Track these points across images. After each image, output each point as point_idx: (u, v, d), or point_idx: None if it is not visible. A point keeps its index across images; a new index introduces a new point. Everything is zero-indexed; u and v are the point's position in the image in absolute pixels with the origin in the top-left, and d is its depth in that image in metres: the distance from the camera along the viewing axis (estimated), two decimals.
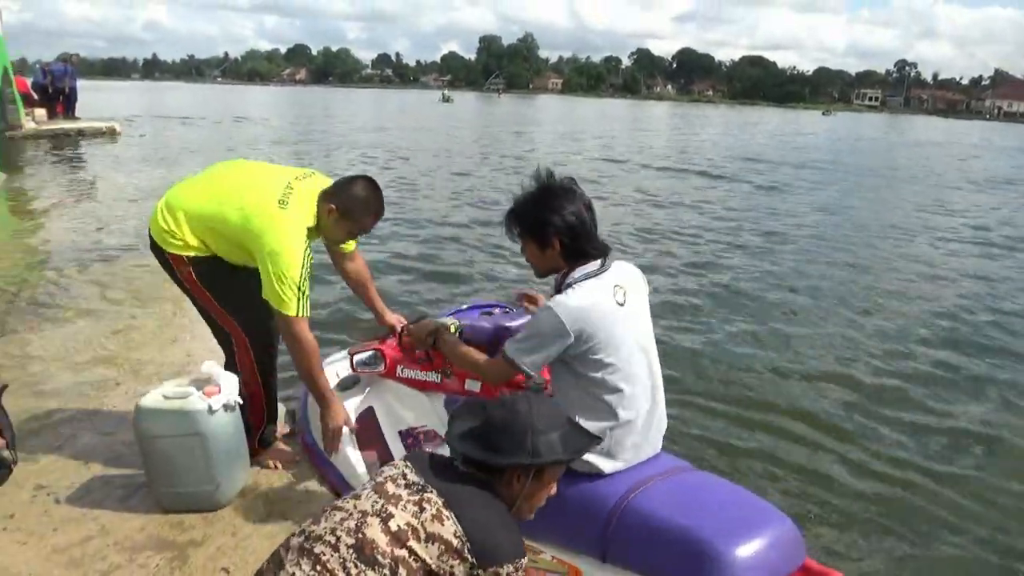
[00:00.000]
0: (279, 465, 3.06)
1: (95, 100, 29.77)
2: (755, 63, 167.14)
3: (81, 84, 21.54)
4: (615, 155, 22.04)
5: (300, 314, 2.59)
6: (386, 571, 1.46)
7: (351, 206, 2.65)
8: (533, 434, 1.61)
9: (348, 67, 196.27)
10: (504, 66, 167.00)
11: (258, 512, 2.75)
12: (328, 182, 2.79)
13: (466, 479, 1.62)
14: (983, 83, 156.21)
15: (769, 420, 4.56)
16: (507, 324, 2.58)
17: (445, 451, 2.38)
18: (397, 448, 2.77)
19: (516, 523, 1.64)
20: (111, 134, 19.34)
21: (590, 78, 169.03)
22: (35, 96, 19.42)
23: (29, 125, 18.10)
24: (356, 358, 2.84)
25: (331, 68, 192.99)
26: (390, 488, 1.58)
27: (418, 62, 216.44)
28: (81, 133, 18.66)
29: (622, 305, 2.09)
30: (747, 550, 1.76)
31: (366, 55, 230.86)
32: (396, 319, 3.05)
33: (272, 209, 2.58)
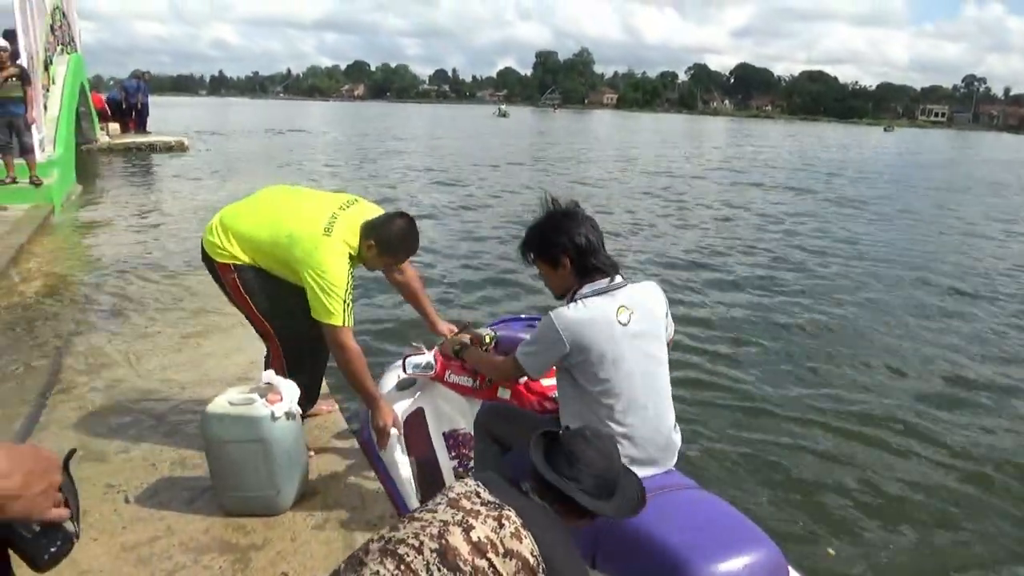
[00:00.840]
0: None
1: (165, 115, 30.94)
2: (815, 78, 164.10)
3: (152, 100, 22.44)
4: (687, 169, 21.89)
5: (345, 324, 2.78)
6: None
7: (389, 243, 2.87)
8: (624, 488, 1.72)
9: (406, 83, 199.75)
10: (560, 81, 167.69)
11: (316, 518, 2.81)
12: (372, 209, 3.01)
13: (535, 503, 1.66)
14: None
15: (866, 432, 4.58)
16: None
17: None
18: (441, 448, 2.90)
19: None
20: (180, 148, 20.07)
21: (645, 93, 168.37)
22: (110, 111, 20.32)
23: (103, 139, 18.96)
24: (409, 361, 2.98)
25: (389, 84, 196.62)
26: (466, 504, 1.61)
27: (474, 77, 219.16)
28: (152, 147, 19.45)
29: (625, 325, 2.15)
30: (723, 568, 1.80)
31: (423, 71, 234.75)
32: (447, 327, 3.22)
33: (318, 236, 2.79)
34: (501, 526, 1.54)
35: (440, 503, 1.64)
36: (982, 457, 4.39)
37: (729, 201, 15.27)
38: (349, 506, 2.91)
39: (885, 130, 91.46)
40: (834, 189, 18.55)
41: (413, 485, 2.96)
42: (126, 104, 20.96)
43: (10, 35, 10.38)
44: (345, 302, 2.76)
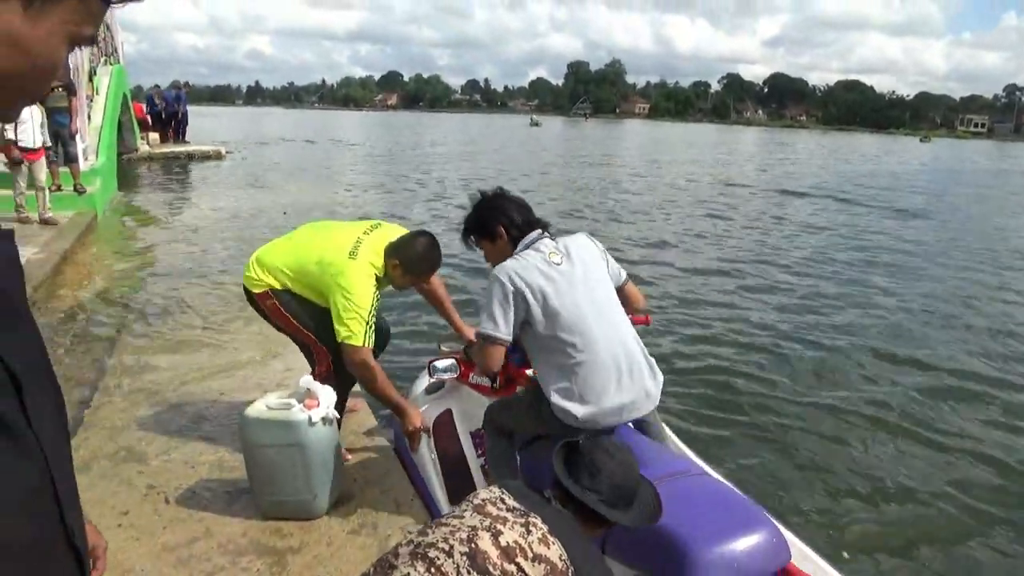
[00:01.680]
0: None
1: (202, 125, 31.52)
2: (851, 87, 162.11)
3: (190, 110, 22.88)
4: (734, 178, 21.74)
5: (365, 344, 2.88)
6: None
7: (412, 262, 3.01)
8: (642, 498, 1.76)
9: (438, 93, 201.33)
10: (591, 91, 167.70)
11: (352, 523, 2.84)
12: (395, 230, 3.18)
13: (558, 510, 1.70)
14: None
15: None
16: None
17: None
18: (469, 446, 3.04)
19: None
20: (217, 157, 20.46)
21: (678, 103, 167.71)
22: (149, 121, 20.78)
23: (143, 148, 19.38)
24: (434, 365, 3.07)
25: (422, 94, 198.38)
26: (492, 510, 1.63)
27: (506, 87, 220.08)
28: (190, 156, 19.85)
29: (559, 264, 2.39)
30: (721, 551, 1.90)
31: (455, 81, 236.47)
32: (472, 331, 3.31)
33: (344, 261, 2.94)
34: (528, 532, 1.57)
35: (466, 509, 1.66)
36: None
37: (765, 211, 15.12)
38: (384, 511, 2.93)
39: (921, 140, 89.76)
40: (876, 199, 18.27)
41: (444, 489, 3.01)
42: (165, 114, 21.44)
43: None
44: (367, 323, 2.88)
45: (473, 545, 1.53)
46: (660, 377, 2.45)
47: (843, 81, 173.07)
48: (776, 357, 6.02)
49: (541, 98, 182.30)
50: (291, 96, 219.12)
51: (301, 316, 3.14)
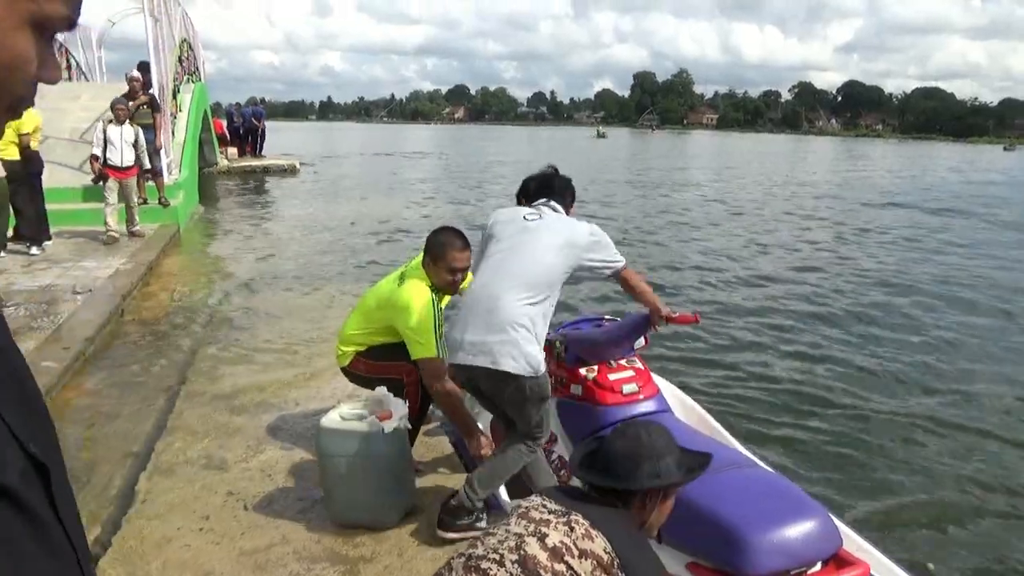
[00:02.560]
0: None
1: (277, 139, 32.49)
2: (930, 95, 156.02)
3: (266, 125, 23.68)
4: (802, 190, 21.26)
5: (440, 355, 2.94)
6: None
7: (432, 247, 3.13)
8: (657, 460, 1.76)
9: (504, 106, 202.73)
10: (658, 102, 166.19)
11: (423, 534, 2.86)
12: None
13: (600, 504, 1.74)
14: None
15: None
16: (605, 333, 3.01)
17: (559, 449, 2.87)
18: None
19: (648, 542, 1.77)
20: (291, 171, 21.08)
21: (747, 112, 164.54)
22: (228, 136, 21.59)
23: (222, 162, 20.13)
24: None
25: (488, 107, 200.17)
26: (535, 515, 1.68)
27: (571, 99, 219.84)
28: (266, 170, 20.51)
29: (528, 221, 2.75)
30: (773, 537, 1.99)
31: (521, 93, 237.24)
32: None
33: (394, 290, 3.15)
34: (572, 530, 1.62)
35: (511, 518, 1.72)
36: None
37: (844, 222, 14.68)
38: None
39: (1005, 149, 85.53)
40: (969, 209, 17.53)
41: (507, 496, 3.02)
42: (243, 129, 22.25)
43: (144, 67, 11.21)
44: (436, 333, 2.96)
45: (522, 552, 1.58)
46: (519, 342, 2.54)
47: (921, 88, 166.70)
48: (851, 366, 5.90)
49: (607, 109, 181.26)
50: (361, 111, 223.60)
51: (388, 356, 3.23)
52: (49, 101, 11.75)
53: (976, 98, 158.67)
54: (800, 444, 4.56)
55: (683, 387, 3.73)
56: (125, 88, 10.39)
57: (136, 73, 10.84)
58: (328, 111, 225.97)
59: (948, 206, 18.36)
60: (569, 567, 1.56)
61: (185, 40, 16.40)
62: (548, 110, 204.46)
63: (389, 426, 2.81)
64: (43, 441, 0.59)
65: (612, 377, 2.88)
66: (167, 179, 10.54)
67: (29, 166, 7.67)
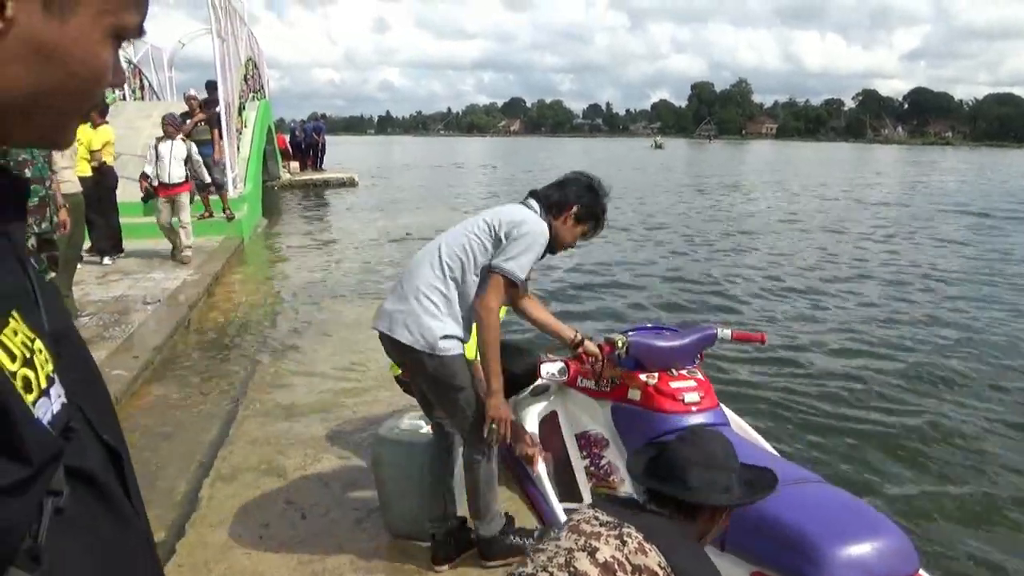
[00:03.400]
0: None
1: (337, 153, 33.29)
2: (1004, 101, 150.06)
3: (327, 139, 24.25)
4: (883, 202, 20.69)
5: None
6: None
7: None
8: (730, 473, 1.70)
9: (560, 118, 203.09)
10: (716, 112, 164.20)
11: None
12: None
13: (654, 515, 1.67)
14: None
15: None
16: (670, 342, 2.90)
17: (610, 454, 2.85)
18: (573, 448, 3.07)
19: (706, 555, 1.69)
20: (351, 184, 21.52)
21: (808, 121, 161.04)
22: (290, 151, 22.20)
23: (285, 176, 20.67)
24: (543, 367, 3.06)
25: (544, 119, 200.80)
26: (586, 527, 1.62)
27: (628, 110, 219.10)
28: (326, 183, 20.99)
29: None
30: (851, 552, 1.92)
31: (577, 105, 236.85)
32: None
33: None
34: (624, 543, 1.56)
35: (561, 531, 1.67)
36: None
37: (915, 230, 14.20)
38: None
39: None
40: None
41: (553, 492, 2.99)
42: (305, 144, 22.88)
43: (211, 85, 11.62)
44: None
45: (573, 568, 1.52)
46: (417, 313, 2.48)
47: (994, 94, 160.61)
48: (917, 374, 5.76)
49: (664, 120, 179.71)
50: (419, 125, 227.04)
51: None
52: (124, 120, 12.30)
53: None
54: (865, 466, 4.38)
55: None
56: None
57: (193, 92, 11.24)
58: (387, 125, 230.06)
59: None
60: None
61: (251, 59, 16.93)
62: (604, 121, 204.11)
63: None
64: (113, 429, 0.63)
65: (674, 385, 2.82)
66: (232, 192, 10.86)
67: (103, 181, 8.00)
